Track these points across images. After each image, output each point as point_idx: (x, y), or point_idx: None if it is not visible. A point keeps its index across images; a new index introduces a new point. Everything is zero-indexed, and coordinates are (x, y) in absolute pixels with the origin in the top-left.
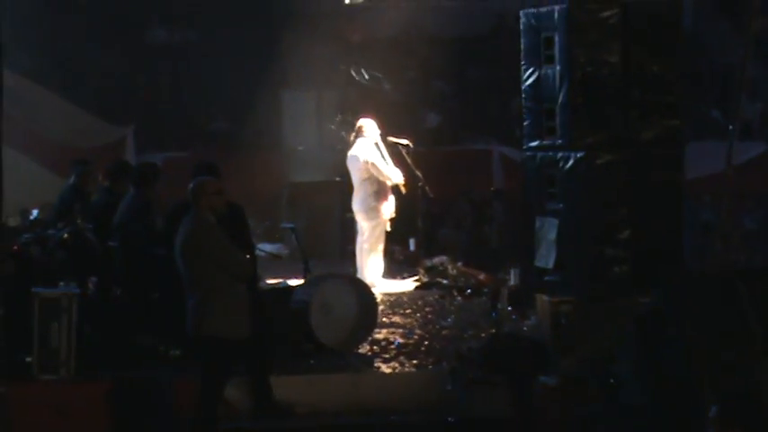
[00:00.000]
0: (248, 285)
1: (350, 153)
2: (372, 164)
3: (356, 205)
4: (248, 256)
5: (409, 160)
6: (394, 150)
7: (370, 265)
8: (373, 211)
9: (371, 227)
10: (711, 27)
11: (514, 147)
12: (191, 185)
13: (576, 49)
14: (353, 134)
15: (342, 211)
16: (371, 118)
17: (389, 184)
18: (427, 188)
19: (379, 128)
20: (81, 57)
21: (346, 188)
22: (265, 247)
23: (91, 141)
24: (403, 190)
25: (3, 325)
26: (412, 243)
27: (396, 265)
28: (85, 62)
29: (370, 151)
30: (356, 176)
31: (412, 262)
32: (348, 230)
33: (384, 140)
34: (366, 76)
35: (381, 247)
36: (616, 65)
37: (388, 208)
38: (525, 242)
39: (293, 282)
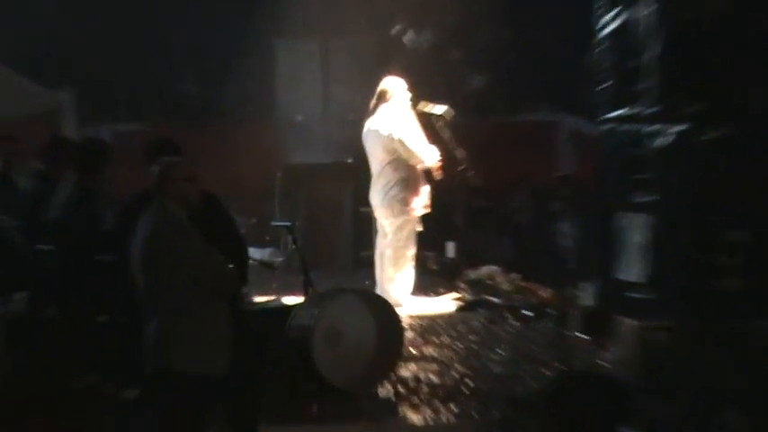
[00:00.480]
0: (230, 304)
1: (368, 125)
2: (400, 140)
3: (376, 197)
4: (233, 265)
5: (447, 135)
6: (427, 122)
7: (395, 278)
8: (399, 205)
9: (397, 226)
10: None
11: (589, 118)
12: (153, 170)
13: None
14: (374, 100)
15: (355, 204)
16: (399, 77)
17: (421, 168)
18: (471, 174)
19: (409, 91)
20: None
21: (362, 173)
22: (253, 254)
23: (17, 110)
24: (438, 176)
25: None
26: (451, 248)
27: (429, 278)
28: (10, 4)
29: (398, 123)
30: (377, 157)
31: (451, 273)
32: (364, 231)
33: (414, 109)
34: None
35: (410, 253)
36: (728, 9)
37: (420, 201)
38: (603, 247)
39: (290, 300)
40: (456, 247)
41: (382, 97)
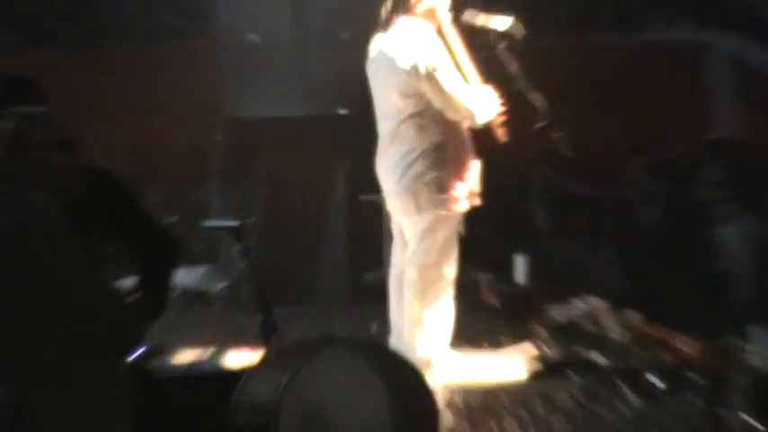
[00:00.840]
0: (133, 367)
1: (375, 49)
2: (431, 74)
3: (389, 176)
4: (141, 295)
5: (515, 69)
6: (478, 46)
7: (422, 319)
8: (429, 192)
9: (425, 229)
10: None
11: (761, 39)
12: None
13: None
14: (387, 5)
15: (352, 188)
16: None
17: (468, 125)
18: (557, 137)
19: None
20: None
21: (364, 135)
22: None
23: None
24: (501, 138)
25: None
26: (521, 266)
27: (483, 319)
28: None
29: (428, 46)
30: (390, 106)
31: (520, 311)
32: (368, 236)
33: (457, 23)
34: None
35: (448, 274)
36: None
37: (465, 185)
38: None
39: (237, 358)
40: (530, 266)
41: (402, 2)
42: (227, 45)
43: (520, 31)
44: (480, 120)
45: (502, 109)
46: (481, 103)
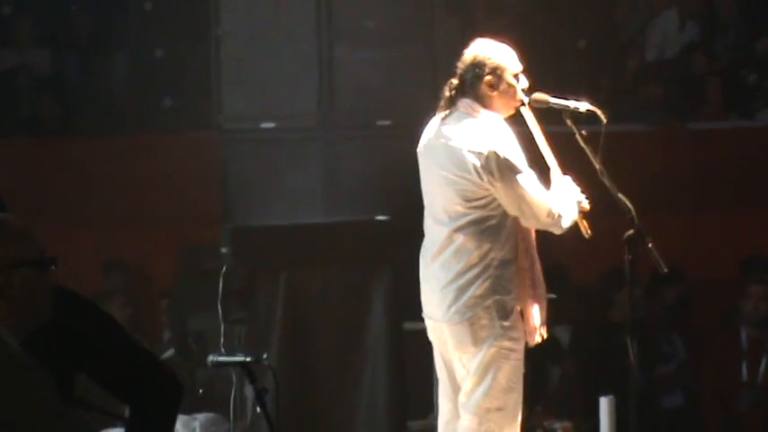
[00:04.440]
0: None
1: (428, 139)
2: (508, 176)
3: (435, 298)
4: None
5: (599, 162)
6: (566, 138)
7: None
8: (490, 319)
9: (483, 365)
10: None
11: None
12: None
13: None
14: (448, 87)
15: (391, 314)
16: (504, 43)
17: (545, 229)
18: (649, 245)
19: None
20: None
21: (405, 246)
22: None
23: None
24: (587, 234)
25: None
26: (606, 411)
27: None
28: None
29: (502, 141)
30: (444, 210)
31: None
32: (413, 374)
33: (530, 104)
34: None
35: (514, 420)
36: None
37: (537, 312)
38: None
39: None
40: (619, 410)
41: (470, 81)
42: (229, 131)
43: (604, 114)
44: (566, 224)
45: (585, 203)
46: (566, 203)
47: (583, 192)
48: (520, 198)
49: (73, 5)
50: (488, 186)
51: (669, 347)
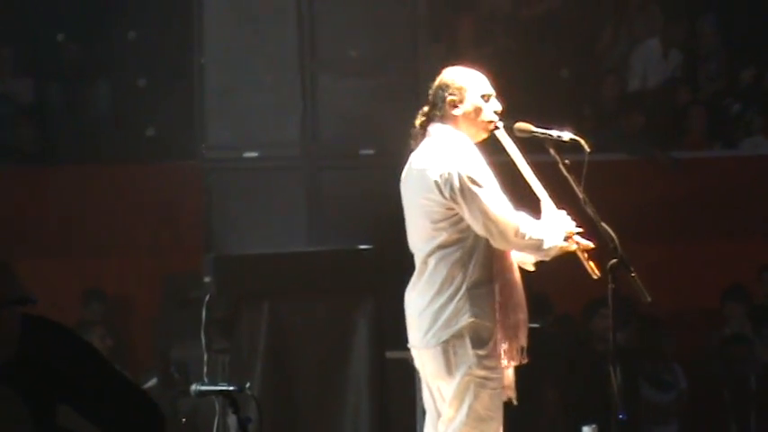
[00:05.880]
0: None
1: (407, 168)
2: (468, 190)
3: (414, 324)
4: None
5: (582, 192)
6: (550, 168)
7: None
8: (464, 349)
9: (459, 395)
10: None
11: None
12: None
13: None
14: (422, 113)
15: (375, 343)
16: (475, 69)
17: (531, 262)
18: (632, 277)
19: (504, 102)
20: None
21: (389, 274)
22: None
23: None
24: (595, 275)
25: None
26: None
27: None
28: None
29: (463, 158)
30: (417, 235)
31: None
32: (397, 404)
33: (512, 131)
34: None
35: None
36: None
37: (517, 338)
38: None
39: None
40: None
41: (436, 104)
42: (219, 164)
43: (587, 143)
44: (550, 251)
45: (572, 228)
46: (548, 229)
47: (578, 226)
48: (483, 215)
49: (57, 34)
50: (452, 204)
51: (670, 376)
